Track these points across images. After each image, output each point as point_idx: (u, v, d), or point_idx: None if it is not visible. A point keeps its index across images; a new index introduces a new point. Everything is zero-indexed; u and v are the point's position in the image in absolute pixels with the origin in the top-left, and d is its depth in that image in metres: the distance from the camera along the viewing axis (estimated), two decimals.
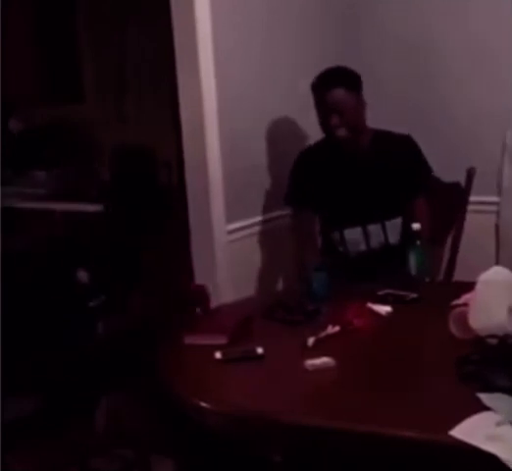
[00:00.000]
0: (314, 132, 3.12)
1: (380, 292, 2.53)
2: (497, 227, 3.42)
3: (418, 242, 2.60)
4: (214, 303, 2.92)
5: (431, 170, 3.02)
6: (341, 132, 2.84)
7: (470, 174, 3.12)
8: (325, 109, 2.84)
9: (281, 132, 3.30)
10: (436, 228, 3.11)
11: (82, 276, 3.60)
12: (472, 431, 1.60)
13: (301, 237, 3.02)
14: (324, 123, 2.87)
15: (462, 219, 3.15)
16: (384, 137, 2.96)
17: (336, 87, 2.83)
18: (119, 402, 2.93)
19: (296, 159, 3.02)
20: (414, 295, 2.51)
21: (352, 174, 2.93)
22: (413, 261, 2.60)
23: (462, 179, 3.16)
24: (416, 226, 2.61)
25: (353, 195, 2.92)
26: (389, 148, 2.94)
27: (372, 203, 2.91)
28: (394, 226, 2.94)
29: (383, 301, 2.46)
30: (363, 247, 2.94)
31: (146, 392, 2.41)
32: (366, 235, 2.93)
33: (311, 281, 2.55)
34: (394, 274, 2.69)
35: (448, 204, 3.18)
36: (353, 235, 2.93)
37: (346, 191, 2.93)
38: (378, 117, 2.94)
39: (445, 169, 3.14)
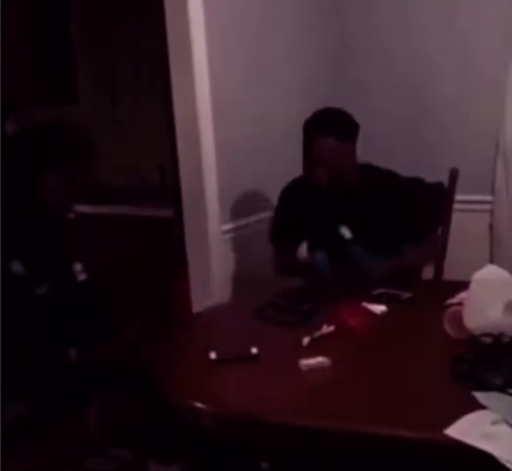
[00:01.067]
0: None
1: (374, 292, 2.53)
2: (491, 226, 3.42)
3: (354, 249, 2.61)
4: (208, 303, 2.93)
5: (420, 211, 2.88)
6: (322, 185, 2.70)
7: (453, 174, 3.13)
8: (311, 157, 2.69)
9: (276, 133, 3.30)
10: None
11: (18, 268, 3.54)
12: (467, 429, 1.60)
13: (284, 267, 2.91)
14: (307, 169, 2.74)
15: (448, 219, 3.16)
16: (371, 175, 2.81)
17: (328, 137, 2.64)
18: (112, 402, 2.93)
19: (281, 195, 2.94)
20: (409, 295, 2.51)
21: (336, 212, 2.79)
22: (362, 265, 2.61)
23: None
24: (347, 234, 2.62)
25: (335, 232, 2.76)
26: (376, 187, 2.79)
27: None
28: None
29: (377, 301, 2.46)
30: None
31: (141, 393, 2.40)
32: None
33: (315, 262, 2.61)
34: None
35: (433, 204, 3.19)
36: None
37: (329, 228, 2.78)
38: (366, 116, 2.94)
39: (438, 169, 3.14)
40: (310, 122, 2.71)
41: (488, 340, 1.93)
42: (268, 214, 3.23)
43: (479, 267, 2.14)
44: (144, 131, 4.04)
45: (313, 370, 2.00)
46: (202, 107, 2.94)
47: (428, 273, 3.14)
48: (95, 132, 4.30)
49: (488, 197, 3.42)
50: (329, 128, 2.65)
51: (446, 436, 1.60)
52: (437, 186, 3.18)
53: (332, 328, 2.23)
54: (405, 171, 3.23)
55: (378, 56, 3.56)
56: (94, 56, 4.28)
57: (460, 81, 3.43)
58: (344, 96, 3.53)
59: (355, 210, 2.79)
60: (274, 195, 3.14)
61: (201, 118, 2.95)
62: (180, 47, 2.91)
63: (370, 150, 3.04)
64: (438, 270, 3.12)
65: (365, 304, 2.44)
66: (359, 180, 2.77)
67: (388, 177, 2.84)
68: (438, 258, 3.13)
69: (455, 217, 3.19)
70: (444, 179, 3.16)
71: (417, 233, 2.83)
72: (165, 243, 3.31)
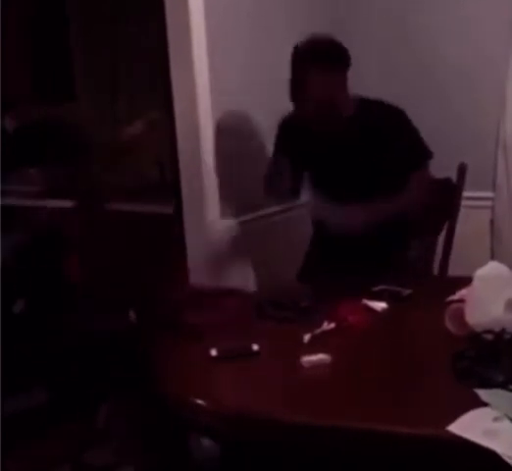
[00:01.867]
0: None
1: (375, 288, 2.52)
2: (492, 222, 3.42)
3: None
4: None
5: (427, 150, 2.80)
6: (313, 123, 2.61)
7: (461, 169, 3.12)
8: (302, 86, 2.53)
9: (275, 128, 3.29)
10: (429, 223, 3.13)
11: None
12: (469, 426, 1.60)
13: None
14: (296, 97, 2.58)
15: (455, 215, 3.15)
16: (372, 107, 2.67)
17: (321, 63, 2.51)
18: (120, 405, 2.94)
19: (278, 127, 2.84)
20: (409, 291, 2.51)
21: (333, 147, 2.68)
22: None
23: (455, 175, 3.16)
24: None
25: (335, 171, 2.70)
26: (377, 121, 2.64)
27: (355, 181, 2.68)
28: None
29: (378, 297, 2.45)
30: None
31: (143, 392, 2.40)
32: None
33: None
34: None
35: (440, 200, 3.18)
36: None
37: (327, 166, 2.72)
38: None
39: (439, 165, 3.13)
40: (301, 51, 2.56)
41: (490, 336, 1.92)
42: (269, 210, 3.22)
43: (480, 263, 2.14)
44: (143, 127, 4.03)
45: (314, 367, 1.99)
46: (202, 103, 2.94)
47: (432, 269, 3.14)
48: (94, 130, 4.31)
49: (489, 194, 3.41)
50: (323, 55, 2.53)
51: (448, 432, 1.60)
52: (446, 182, 3.17)
53: (332, 325, 2.22)
54: None
55: (377, 49, 3.54)
56: (93, 54, 4.27)
57: (460, 77, 3.42)
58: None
59: (347, 147, 2.68)
60: None
61: (201, 114, 2.94)
62: (181, 44, 2.90)
63: None
64: (444, 266, 3.11)
65: (365, 301, 2.43)
66: (356, 112, 2.67)
67: (394, 112, 2.69)
68: (444, 254, 3.12)
69: None
70: (446, 174, 3.15)
71: (415, 157, 2.74)
72: (165, 239, 3.31)
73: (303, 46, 2.55)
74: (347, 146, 2.67)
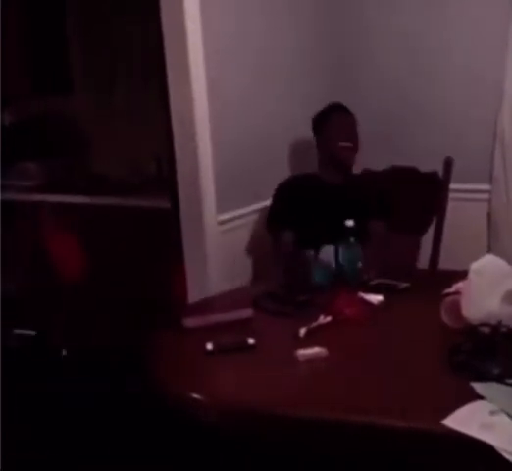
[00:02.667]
0: (303, 122, 3.12)
1: (371, 282, 2.52)
2: (489, 215, 3.41)
3: (351, 240, 2.56)
4: (205, 294, 2.92)
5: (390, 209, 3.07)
6: (350, 160, 3.04)
7: (448, 163, 3.12)
8: (331, 136, 3.03)
9: (272, 123, 3.29)
10: (416, 217, 3.17)
11: None
12: (466, 420, 1.60)
13: (279, 259, 2.98)
14: (328, 153, 3.05)
15: (443, 208, 3.15)
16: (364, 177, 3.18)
17: (341, 112, 3.07)
18: None
19: (277, 188, 3.10)
20: (406, 284, 2.50)
21: (328, 201, 3.01)
22: (345, 257, 2.55)
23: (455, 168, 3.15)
24: (349, 222, 2.57)
25: (327, 220, 2.87)
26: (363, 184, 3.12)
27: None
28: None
29: (374, 291, 2.45)
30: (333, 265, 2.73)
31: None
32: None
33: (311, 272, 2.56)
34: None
35: (427, 194, 3.19)
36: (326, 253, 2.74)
37: (321, 216, 2.95)
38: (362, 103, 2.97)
39: (435, 157, 3.13)
40: (319, 113, 3.11)
41: (486, 329, 1.92)
42: (265, 204, 3.22)
43: (476, 256, 2.13)
44: (140, 122, 4.03)
45: (310, 360, 1.99)
46: (198, 95, 2.93)
47: (423, 263, 3.14)
48: (91, 123, 4.30)
49: (486, 186, 3.40)
50: (337, 107, 3.09)
51: (445, 426, 1.60)
52: (432, 176, 3.18)
53: (328, 318, 2.22)
54: (402, 160, 3.24)
55: (381, 34, 3.53)
56: (90, 47, 4.26)
57: (458, 69, 3.41)
58: (342, 83, 3.53)
59: (342, 201, 2.98)
60: (271, 185, 3.13)
61: (197, 108, 2.93)
62: (176, 36, 2.89)
63: (365, 138, 3.04)
64: (434, 260, 3.11)
65: (361, 294, 2.43)
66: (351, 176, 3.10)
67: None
68: (434, 248, 3.12)
69: (452, 206, 3.18)
70: (441, 168, 3.15)
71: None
72: (161, 234, 3.30)
73: (321, 111, 3.13)
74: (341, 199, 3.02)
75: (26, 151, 4.35)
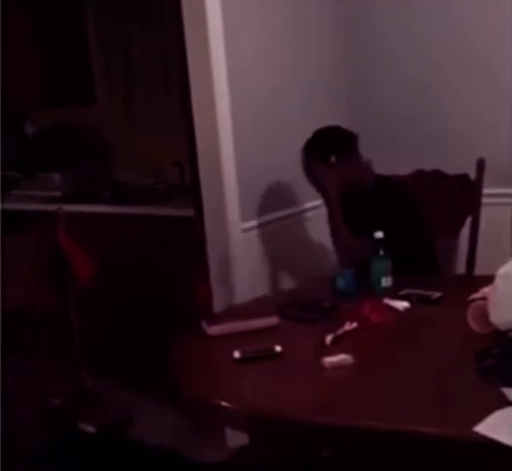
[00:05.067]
0: None
1: (400, 292, 2.50)
2: None
3: (381, 252, 2.56)
4: (229, 301, 2.93)
5: None
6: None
7: (480, 165, 3.09)
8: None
9: (295, 130, 3.28)
10: (448, 221, 3.12)
11: None
12: (497, 426, 1.58)
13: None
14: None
15: (477, 211, 3.13)
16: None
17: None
18: None
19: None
20: (439, 294, 2.47)
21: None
22: (375, 269, 2.55)
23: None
24: (379, 234, 2.56)
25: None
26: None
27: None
28: None
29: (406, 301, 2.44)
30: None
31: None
32: None
33: (337, 279, 2.57)
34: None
35: (457, 197, 3.16)
36: None
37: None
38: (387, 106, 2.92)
39: (457, 160, 3.12)
40: (313, 147, 2.89)
41: None
42: (288, 211, 3.22)
43: (502, 261, 2.12)
44: (162, 130, 4.05)
45: (336, 367, 1.99)
46: (221, 104, 2.94)
47: (460, 268, 3.11)
48: (113, 132, 4.33)
49: (510, 190, 3.38)
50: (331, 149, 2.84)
51: (476, 433, 1.59)
52: (462, 178, 3.15)
53: (354, 325, 2.22)
54: (428, 163, 3.22)
55: (397, 31, 3.53)
56: (110, 57, 4.29)
57: (477, 72, 3.40)
58: (366, 84, 3.53)
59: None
60: (294, 192, 3.13)
61: (220, 115, 2.94)
62: (198, 45, 2.90)
63: (392, 141, 3.01)
64: (470, 264, 3.08)
65: (387, 301, 2.42)
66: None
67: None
68: (470, 253, 3.09)
69: None
70: (467, 171, 3.13)
71: None
72: (185, 242, 3.31)
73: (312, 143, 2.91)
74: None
75: (50, 161, 4.38)
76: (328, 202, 2.87)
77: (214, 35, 2.88)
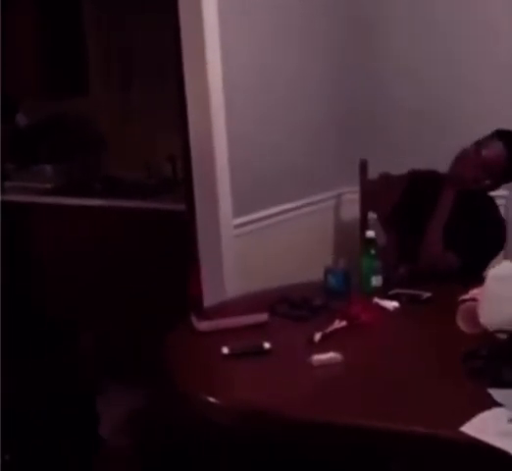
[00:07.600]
0: (322, 123, 3.11)
1: (390, 292, 2.50)
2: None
3: (372, 251, 2.56)
4: (221, 298, 2.92)
5: None
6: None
7: None
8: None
9: (289, 124, 3.28)
10: None
11: None
12: (483, 427, 1.59)
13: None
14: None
15: None
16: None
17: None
18: None
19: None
20: (428, 294, 2.48)
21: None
22: (365, 269, 2.55)
23: None
24: (370, 233, 2.58)
25: None
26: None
27: None
28: None
29: (394, 300, 2.44)
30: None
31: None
32: None
33: (328, 277, 2.58)
34: None
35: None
36: None
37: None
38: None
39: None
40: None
41: (503, 336, 1.91)
42: (281, 208, 3.21)
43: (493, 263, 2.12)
44: (156, 124, 4.03)
45: (324, 365, 1.99)
46: (215, 98, 2.92)
47: None
48: (106, 125, 4.31)
49: (504, 192, 3.38)
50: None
51: (462, 433, 1.59)
52: None
53: (343, 323, 2.22)
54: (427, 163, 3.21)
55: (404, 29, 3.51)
56: (106, 48, 4.27)
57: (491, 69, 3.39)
58: (383, 78, 3.52)
59: None
60: (287, 188, 3.12)
61: (213, 110, 2.93)
62: (193, 37, 2.88)
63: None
64: None
65: (377, 300, 2.42)
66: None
67: None
68: None
69: None
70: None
71: None
72: (176, 236, 3.30)
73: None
74: None
75: (42, 153, 4.36)
76: (442, 208, 2.83)
77: (209, 29, 2.86)
